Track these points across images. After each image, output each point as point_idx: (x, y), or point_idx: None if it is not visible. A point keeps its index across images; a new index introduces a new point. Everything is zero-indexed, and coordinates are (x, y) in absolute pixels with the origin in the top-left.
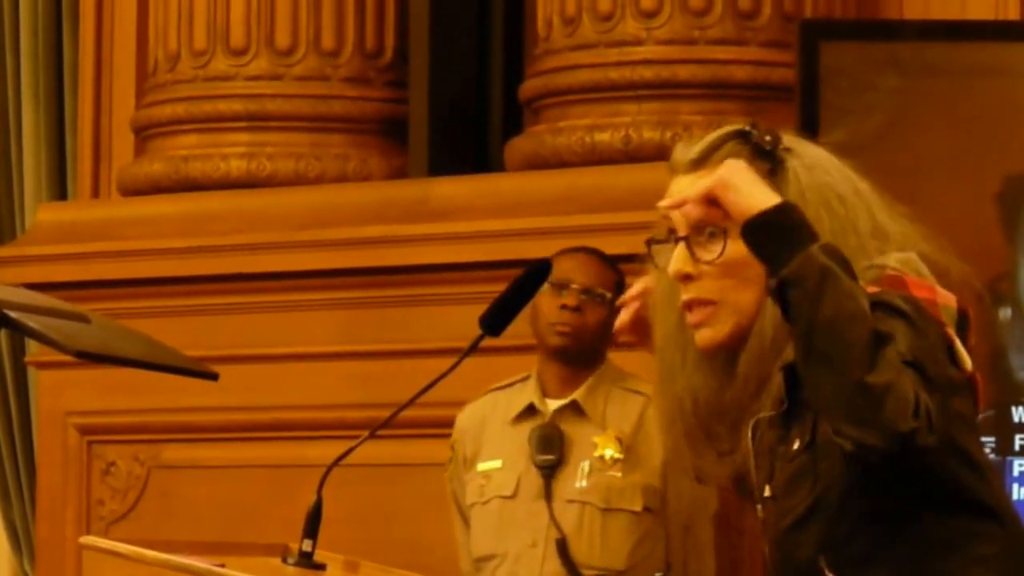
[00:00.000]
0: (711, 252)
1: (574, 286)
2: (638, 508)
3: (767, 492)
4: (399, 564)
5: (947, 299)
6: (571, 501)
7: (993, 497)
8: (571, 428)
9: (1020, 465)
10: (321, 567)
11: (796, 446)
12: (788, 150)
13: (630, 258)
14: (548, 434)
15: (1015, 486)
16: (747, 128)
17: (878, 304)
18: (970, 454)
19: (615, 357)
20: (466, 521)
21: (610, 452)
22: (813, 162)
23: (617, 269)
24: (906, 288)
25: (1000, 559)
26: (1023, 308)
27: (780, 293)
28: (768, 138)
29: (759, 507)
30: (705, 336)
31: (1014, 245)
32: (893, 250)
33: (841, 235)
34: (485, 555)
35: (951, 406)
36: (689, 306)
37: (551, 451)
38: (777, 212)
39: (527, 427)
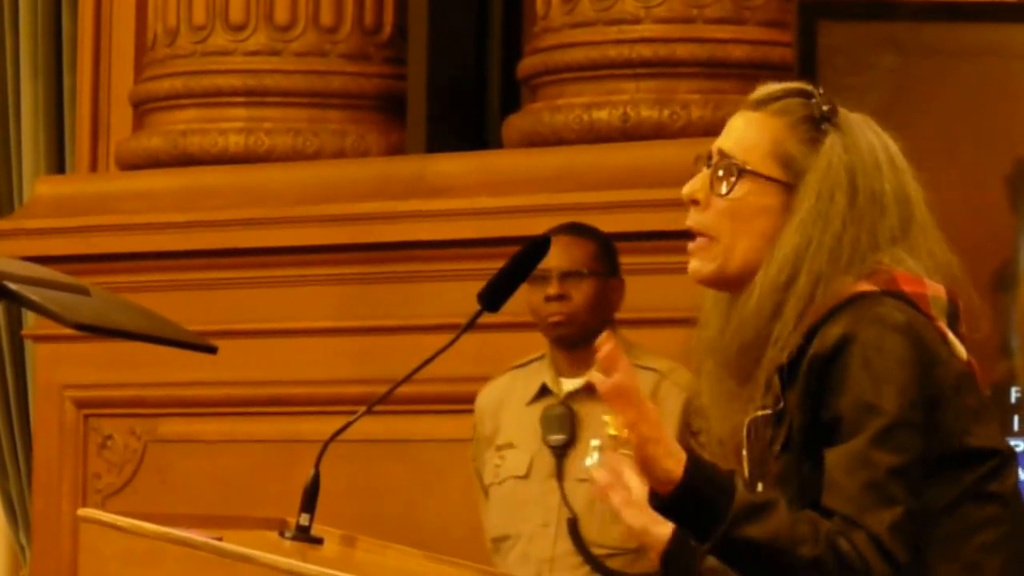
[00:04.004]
0: (725, 186)
1: (551, 275)
2: None
3: (760, 489)
4: (396, 539)
5: (936, 291)
6: (582, 480)
7: (997, 481)
8: (583, 407)
9: (1016, 446)
10: (318, 541)
11: (778, 446)
12: (838, 126)
13: (627, 236)
14: (559, 414)
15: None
16: (811, 90)
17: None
18: (977, 449)
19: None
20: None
21: None
22: (856, 147)
23: (593, 236)
24: (895, 283)
25: (1005, 542)
26: None
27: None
28: (825, 108)
29: None
30: (691, 267)
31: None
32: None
33: (852, 225)
34: (501, 535)
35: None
36: (688, 232)
37: (562, 431)
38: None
39: (540, 407)
